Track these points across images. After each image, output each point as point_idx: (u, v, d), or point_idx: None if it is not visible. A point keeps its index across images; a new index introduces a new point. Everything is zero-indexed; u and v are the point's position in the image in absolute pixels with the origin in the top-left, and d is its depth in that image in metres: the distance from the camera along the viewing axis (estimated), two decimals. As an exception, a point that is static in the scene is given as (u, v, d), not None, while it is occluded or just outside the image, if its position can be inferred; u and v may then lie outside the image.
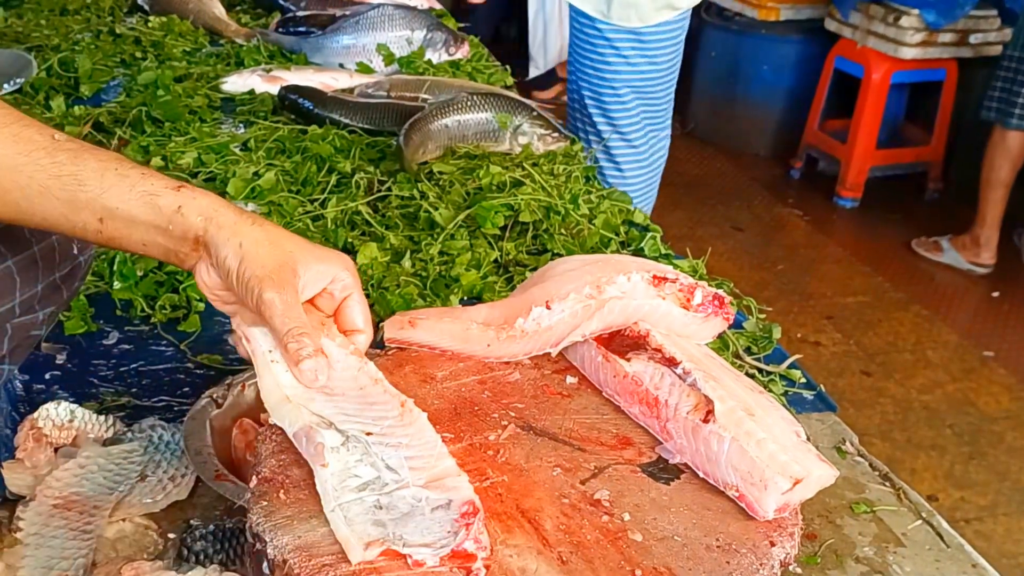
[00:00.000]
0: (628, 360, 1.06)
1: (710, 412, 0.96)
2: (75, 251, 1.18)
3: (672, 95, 2.91)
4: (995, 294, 4.35)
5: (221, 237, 0.94)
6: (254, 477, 0.91)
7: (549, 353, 1.11)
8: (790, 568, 0.91)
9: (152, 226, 0.95)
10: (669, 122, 2.98)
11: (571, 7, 2.70)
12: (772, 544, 0.89)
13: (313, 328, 0.96)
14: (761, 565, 0.86)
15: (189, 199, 0.95)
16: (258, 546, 0.85)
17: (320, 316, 1.00)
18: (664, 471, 0.97)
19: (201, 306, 1.57)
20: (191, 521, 1.11)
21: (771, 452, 0.92)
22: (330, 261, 0.99)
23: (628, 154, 2.84)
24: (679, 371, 1.02)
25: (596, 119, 2.80)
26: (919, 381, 3.71)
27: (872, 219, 4.98)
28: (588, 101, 2.79)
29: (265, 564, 0.84)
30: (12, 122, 0.95)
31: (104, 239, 0.96)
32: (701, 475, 0.96)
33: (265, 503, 0.88)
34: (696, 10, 2.94)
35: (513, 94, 2.38)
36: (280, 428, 0.97)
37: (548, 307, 1.07)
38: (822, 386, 1.51)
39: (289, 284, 0.94)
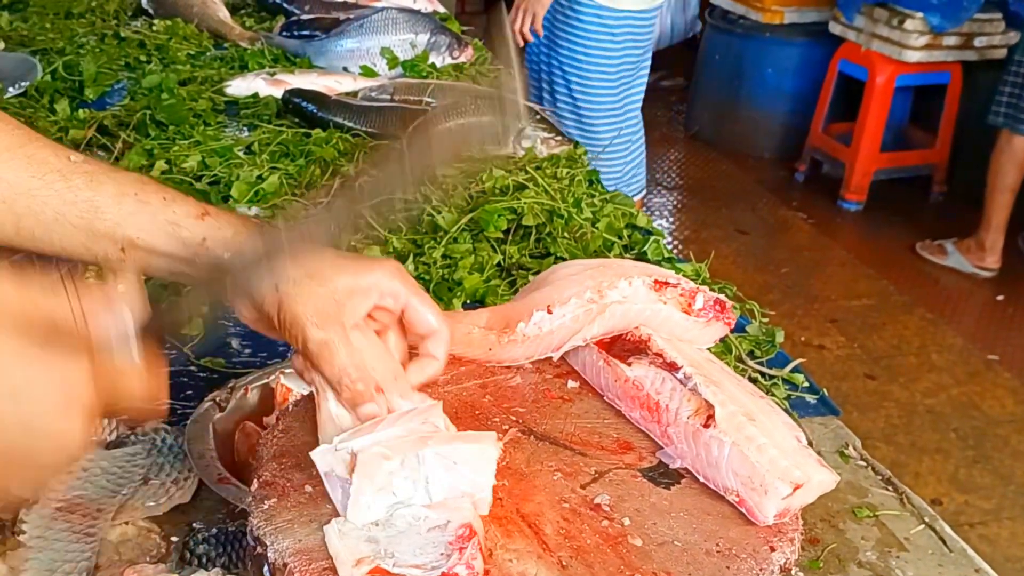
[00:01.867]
0: (629, 365, 1.06)
1: (711, 417, 0.96)
2: None
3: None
4: (1000, 297, 4.35)
5: None
6: (255, 481, 0.91)
7: (550, 357, 1.11)
8: (792, 573, 0.91)
9: (177, 258, 0.90)
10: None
11: None
12: (772, 549, 0.89)
13: (369, 374, 0.90)
14: (761, 570, 0.86)
15: (214, 230, 0.89)
16: (259, 550, 0.85)
17: (393, 368, 0.93)
18: (664, 476, 0.97)
19: (203, 309, 1.57)
20: (194, 524, 1.11)
21: (772, 457, 0.92)
22: (370, 275, 0.92)
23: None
24: (680, 376, 1.02)
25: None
26: (923, 385, 3.71)
27: (876, 222, 4.97)
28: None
29: (266, 568, 0.84)
30: (26, 142, 0.89)
31: (129, 268, 0.92)
32: (701, 480, 0.96)
33: (266, 507, 0.88)
34: (699, 13, 3.02)
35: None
36: (281, 431, 0.97)
37: (549, 311, 1.07)
38: (825, 390, 1.50)
39: (334, 323, 0.88)
